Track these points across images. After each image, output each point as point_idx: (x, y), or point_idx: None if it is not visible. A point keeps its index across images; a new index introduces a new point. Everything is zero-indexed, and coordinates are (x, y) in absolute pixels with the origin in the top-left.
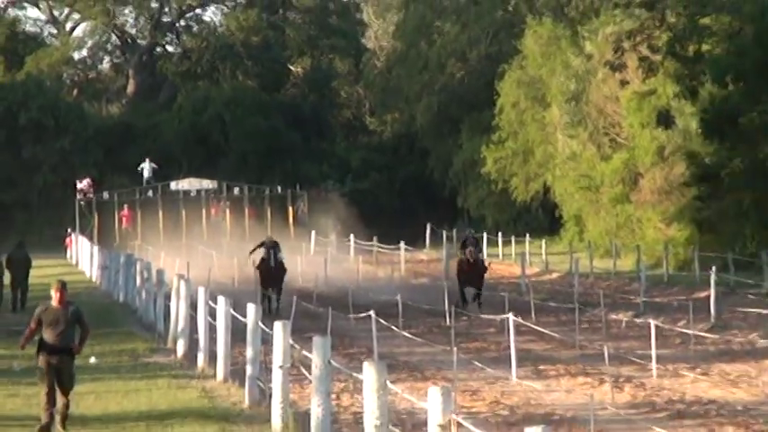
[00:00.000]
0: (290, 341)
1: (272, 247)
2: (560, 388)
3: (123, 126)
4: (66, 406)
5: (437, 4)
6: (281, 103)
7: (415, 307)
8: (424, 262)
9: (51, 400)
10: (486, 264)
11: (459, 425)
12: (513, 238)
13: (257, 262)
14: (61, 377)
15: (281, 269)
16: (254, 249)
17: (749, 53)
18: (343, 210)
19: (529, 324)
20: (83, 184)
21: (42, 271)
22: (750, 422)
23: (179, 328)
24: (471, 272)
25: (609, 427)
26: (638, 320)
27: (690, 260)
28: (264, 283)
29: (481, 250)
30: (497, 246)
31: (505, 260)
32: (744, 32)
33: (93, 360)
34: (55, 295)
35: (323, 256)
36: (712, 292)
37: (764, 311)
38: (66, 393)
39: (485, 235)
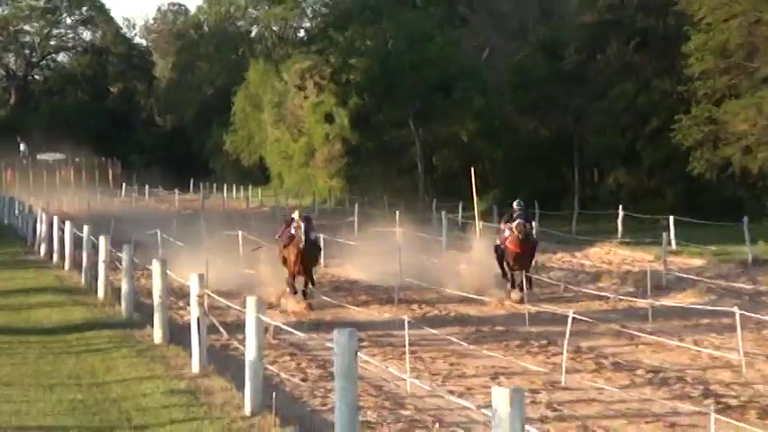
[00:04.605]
0: (110, 246)
1: (304, 222)
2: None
3: (8, 123)
4: None
5: (196, 52)
6: (105, 109)
7: (182, 228)
8: (189, 200)
9: None
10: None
11: (209, 296)
12: (242, 188)
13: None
14: None
15: (313, 249)
16: (282, 232)
17: (377, 80)
18: (143, 171)
19: (254, 239)
20: None
21: None
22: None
23: (41, 239)
24: (521, 253)
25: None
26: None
27: (343, 200)
28: (291, 268)
29: (533, 226)
30: (233, 191)
31: (237, 199)
32: (374, 68)
33: None
34: None
35: (129, 198)
36: (356, 217)
37: (391, 229)
38: None
39: (224, 186)
